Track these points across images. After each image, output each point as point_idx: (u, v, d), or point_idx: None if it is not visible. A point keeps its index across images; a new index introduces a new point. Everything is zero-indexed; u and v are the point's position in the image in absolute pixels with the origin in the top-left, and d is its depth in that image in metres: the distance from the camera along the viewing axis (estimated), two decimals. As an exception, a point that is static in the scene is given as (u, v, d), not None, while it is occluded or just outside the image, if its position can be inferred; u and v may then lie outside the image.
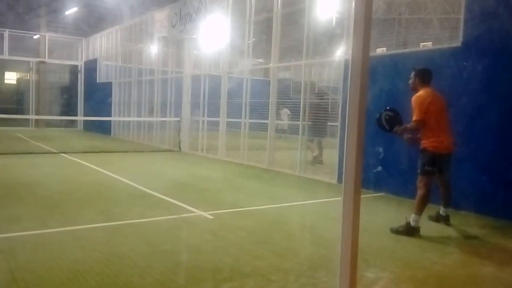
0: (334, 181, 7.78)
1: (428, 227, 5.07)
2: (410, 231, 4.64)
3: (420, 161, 4.80)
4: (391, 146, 6.62)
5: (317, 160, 9.52)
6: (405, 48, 8.65)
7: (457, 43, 6.05)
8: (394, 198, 6.51)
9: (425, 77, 4.98)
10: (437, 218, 5.20)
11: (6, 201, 5.60)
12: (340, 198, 2.11)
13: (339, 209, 2.11)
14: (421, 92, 4.86)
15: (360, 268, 2.95)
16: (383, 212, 5.76)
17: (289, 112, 13.31)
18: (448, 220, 5.13)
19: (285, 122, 12.22)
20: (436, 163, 4.77)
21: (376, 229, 4.82)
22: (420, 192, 4.73)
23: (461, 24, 5.99)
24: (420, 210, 4.68)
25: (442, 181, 5.07)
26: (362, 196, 2.12)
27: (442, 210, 5.17)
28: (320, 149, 9.71)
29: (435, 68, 6.22)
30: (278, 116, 14.18)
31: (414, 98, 4.81)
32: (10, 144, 12.63)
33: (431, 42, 10.33)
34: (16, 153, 10.74)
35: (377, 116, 4.98)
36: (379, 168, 5.25)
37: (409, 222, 4.66)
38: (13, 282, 3.07)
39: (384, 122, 4.93)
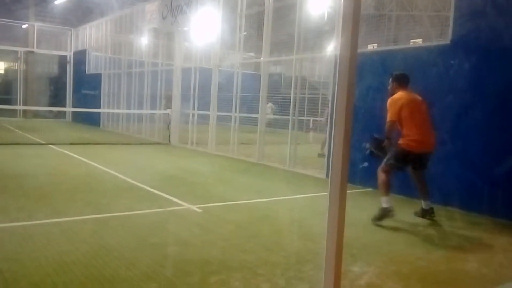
0: (323, 176, 7.83)
1: (414, 223, 5.14)
2: (386, 212, 4.90)
3: (390, 153, 5.07)
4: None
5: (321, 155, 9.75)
6: (396, 44, 8.71)
7: (446, 40, 6.11)
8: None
9: (401, 81, 5.25)
10: (422, 214, 5.29)
11: (-7, 192, 5.55)
12: (327, 193, 2.13)
13: (326, 204, 2.13)
14: (396, 95, 5.14)
15: (345, 263, 3.00)
16: (370, 208, 5.80)
17: (273, 107, 13.37)
18: (433, 213, 5.25)
19: (269, 116, 12.27)
20: (406, 160, 5.06)
21: (362, 224, 4.88)
22: (380, 178, 5.02)
23: (451, 22, 6.04)
24: (386, 192, 4.96)
25: (417, 177, 5.28)
26: (349, 191, 2.14)
27: (424, 204, 5.29)
28: (323, 143, 9.94)
29: (423, 66, 6.31)
30: (264, 110, 14.22)
31: (389, 101, 5.11)
32: (-3, 135, 12.49)
33: (421, 39, 10.41)
34: (3, 144, 10.61)
35: (368, 153, 5.29)
36: (366, 164, 5.30)
37: (383, 206, 4.92)
38: (-1, 273, 3.06)
39: (376, 153, 5.22)
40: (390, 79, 5.32)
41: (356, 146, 6.54)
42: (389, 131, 5.04)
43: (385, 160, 5.08)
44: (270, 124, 12.17)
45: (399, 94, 5.13)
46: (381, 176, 5.03)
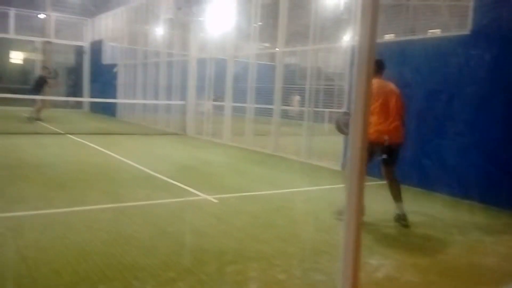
0: (338, 167, 7.80)
1: (432, 215, 5.10)
2: (400, 219, 4.63)
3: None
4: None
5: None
6: (413, 35, 8.57)
7: (466, 31, 5.99)
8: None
9: (376, 67, 4.89)
10: (397, 219, 4.74)
11: (14, 181, 5.67)
12: (344, 185, 2.12)
13: (343, 196, 2.13)
14: (376, 80, 4.88)
15: (362, 255, 2.99)
16: (387, 200, 5.77)
17: (299, 98, 13.33)
18: (404, 219, 4.68)
19: (296, 108, 12.22)
20: (373, 151, 4.69)
21: (379, 217, 4.86)
22: (387, 182, 4.86)
23: (470, 12, 5.92)
24: (396, 197, 4.77)
25: (386, 173, 4.94)
26: (366, 183, 2.13)
27: (396, 208, 4.80)
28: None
29: (443, 56, 6.21)
30: (290, 102, 14.19)
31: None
32: (17, 124, 12.70)
33: (439, 30, 10.23)
34: (22, 133, 10.80)
35: (336, 121, 4.86)
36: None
37: (396, 213, 4.66)
38: (22, 260, 3.13)
39: (343, 126, 4.73)
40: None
41: (373, 138, 6.49)
42: None
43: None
44: (294, 117, 12.14)
45: (374, 81, 4.92)
46: (386, 181, 4.86)
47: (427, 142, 6.29)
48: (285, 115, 11.87)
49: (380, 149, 4.81)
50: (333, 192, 6.22)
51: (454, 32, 6.58)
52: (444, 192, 5.60)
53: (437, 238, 4.32)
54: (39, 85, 13.44)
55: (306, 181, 6.94)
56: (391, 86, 5.00)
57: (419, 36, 7.46)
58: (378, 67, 5.00)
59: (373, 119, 4.79)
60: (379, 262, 3.49)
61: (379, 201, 5.53)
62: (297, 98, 11.94)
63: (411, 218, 4.90)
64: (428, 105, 6.26)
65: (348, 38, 8.78)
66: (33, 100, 13.45)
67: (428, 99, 6.27)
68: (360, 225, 2.20)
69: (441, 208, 5.48)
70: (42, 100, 13.62)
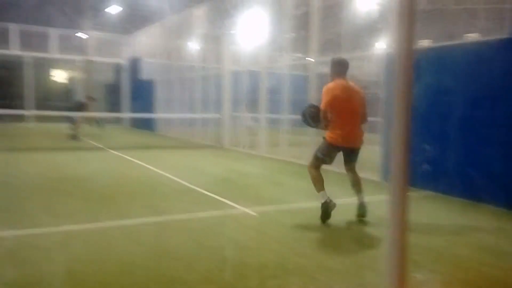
0: (378, 178, 7.64)
1: (479, 227, 4.91)
2: (326, 206, 4.78)
3: (319, 145, 5.00)
4: (440, 143, 6.44)
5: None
6: (451, 40, 8.36)
7: (506, 34, 5.78)
8: (442, 197, 6.31)
9: (337, 67, 5.00)
10: (359, 213, 5.07)
11: (60, 196, 5.88)
12: (384, 196, 2.07)
13: (384, 208, 2.08)
14: (330, 84, 4.92)
15: (408, 269, 2.90)
16: (431, 212, 5.61)
17: None
18: (364, 208, 5.02)
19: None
20: (331, 153, 4.93)
21: (423, 229, 4.70)
22: (311, 174, 4.99)
23: (510, 15, 5.72)
24: (320, 188, 4.86)
25: (348, 169, 5.18)
26: (409, 194, 2.08)
27: (357, 198, 5.11)
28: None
29: (484, 61, 6.01)
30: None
31: (323, 89, 4.90)
32: (61, 141, 13.21)
33: (477, 34, 9.93)
34: (67, 149, 11.22)
35: (302, 113, 5.05)
36: (426, 166, 5.13)
37: (321, 202, 4.80)
38: (69, 273, 3.24)
39: (309, 118, 4.97)
40: (330, 64, 5.09)
41: (415, 148, 6.35)
42: (325, 120, 4.84)
43: (313, 154, 5.00)
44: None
45: (335, 83, 4.89)
46: (311, 172, 4.96)
47: (471, 151, 6.08)
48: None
49: (340, 152, 4.98)
50: (373, 203, 6.09)
51: (494, 36, 6.37)
52: (491, 202, 5.37)
53: (487, 250, 4.13)
54: (77, 109, 13.84)
55: (345, 192, 6.82)
56: (355, 88, 4.98)
57: (457, 42, 7.26)
58: (340, 67, 5.00)
59: (333, 122, 4.83)
60: (426, 277, 3.38)
61: (422, 213, 5.38)
62: None
63: (456, 229, 4.74)
64: (470, 113, 6.06)
65: (382, 45, 8.66)
66: (72, 118, 13.84)
67: (470, 106, 6.07)
68: (405, 238, 2.15)
69: (488, 220, 5.26)
70: (81, 118, 14.01)
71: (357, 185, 5.13)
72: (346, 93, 4.87)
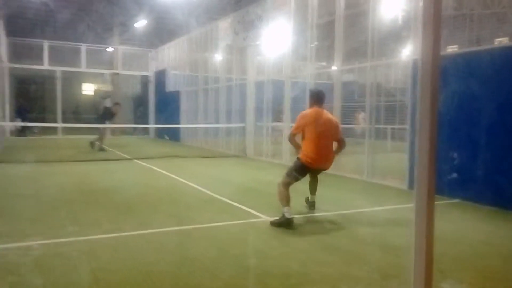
0: (405, 186, 7.50)
1: (508, 236, 4.74)
2: (286, 221, 4.96)
3: (292, 164, 5.43)
4: (467, 150, 6.28)
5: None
6: (479, 45, 8.18)
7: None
8: (470, 205, 6.14)
9: (315, 98, 5.59)
10: (306, 201, 5.93)
11: (87, 206, 6.01)
12: (411, 205, 2.03)
13: (410, 216, 2.03)
14: (306, 111, 5.57)
15: (435, 279, 2.81)
16: (458, 220, 5.46)
17: (364, 115, 13.07)
18: (313, 206, 5.85)
19: (360, 126, 11.97)
20: (304, 173, 5.37)
21: (451, 238, 4.58)
22: (280, 190, 5.22)
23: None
24: (285, 204, 5.07)
25: (313, 177, 5.84)
26: (435, 202, 2.02)
27: (310, 197, 5.90)
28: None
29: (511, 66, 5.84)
30: (355, 120, 13.95)
31: (299, 115, 5.54)
32: (90, 152, 13.53)
33: (507, 38, 9.68)
34: (95, 160, 11.48)
35: None
36: (454, 175, 5.00)
37: (283, 215, 5.01)
38: (95, 282, 3.29)
39: None
40: (309, 95, 5.74)
41: (442, 155, 6.23)
42: (290, 141, 5.55)
43: (286, 172, 5.34)
44: (363, 134, 11.96)
45: (310, 111, 5.48)
46: (281, 189, 5.19)
47: (500, 158, 5.90)
48: (345, 134, 11.69)
49: (311, 171, 5.52)
50: (399, 212, 5.98)
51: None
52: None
53: (518, 261, 3.99)
54: (106, 115, 14.14)
55: (370, 201, 6.73)
56: (329, 117, 5.56)
57: (485, 47, 7.09)
58: (318, 97, 5.58)
59: (305, 146, 5.34)
60: (453, 287, 3.28)
61: (449, 221, 5.24)
62: (361, 115, 11.67)
63: (484, 238, 4.59)
64: (500, 119, 5.90)
65: (407, 52, 8.55)
66: (98, 129, 14.12)
67: (499, 112, 5.91)
68: (431, 247, 2.09)
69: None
70: (106, 129, 14.30)
71: (314, 188, 5.90)
72: (320, 120, 5.39)
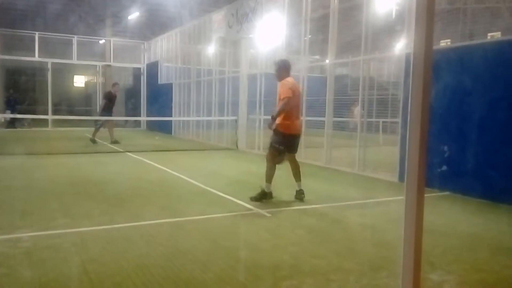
0: (395, 179, 7.55)
1: (498, 229, 4.80)
2: (264, 195, 5.69)
3: (272, 137, 5.77)
4: (457, 144, 6.32)
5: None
6: (472, 39, 8.20)
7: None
8: (460, 197, 6.21)
9: (287, 66, 5.98)
10: (296, 195, 5.96)
11: (78, 198, 5.98)
12: (402, 197, 2.04)
13: (401, 209, 2.05)
14: (287, 79, 5.84)
15: (424, 270, 2.85)
16: (448, 212, 5.51)
17: (360, 109, 13.05)
18: (302, 194, 5.93)
19: (356, 119, 11.97)
20: (285, 142, 5.71)
21: (441, 230, 4.62)
22: (268, 164, 5.74)
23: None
24: (269, 179, 5.72)
25: (290, 158, 5.99)
26: (426, 195, 2.04)
27: (297, 185, 5.97)
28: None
29: (506, 61, 5.88)
30: (350, 113, 13.92)
31: (283, 82, 5.79)
32: (80, 144, 13.44)
33: (499, 33, 9.72)
34: (85, 153, 11.41)
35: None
36: (444, 168, 5.05)
37: (263, 189, 5.69)
38: (85, 273, 3.28)
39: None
40: (277, 65, 5.99)
41: (433, 148, 6.27)
42: (286, 105, 5.56)
43: (269, 146, 5.77)
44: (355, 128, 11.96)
45: (291, 80, 5.82)
46: (269, 162, 5.72)
47: (491, 152, 5.95)
48: (337, 127, 11.70)
49: (288, 139, 5.75)
50: (390, 204, 6.02)
51: (517, 35, 6.23)
52: (510, 203, 5.23)
53: (505, 252, 4.04)
54: (109, 99, 13.71)
55: (362, 194, 6.77)
56: (297, 83, 6.03)
57: (478, 41, 7.12)
58: (289, 66, 6.01)
59: (288, 114, 5.63)
60: (442, 278, 3.31)
61: (439, 214, 5.29)
62: (357, 108, 11.66)
63: (474, 230, 4.65)
64: (492, 114, 5.94)
65: (401, 47, 8.56)
66: (106, 122, 13.84)
67: (491, 107, 5.95)
68: (420, 239, 2.11)
69: (507, 220, 5.15)
70: (108, 121, 13.99)
71: (297, 173, 6.01)
72: (296, 89, 5.85)
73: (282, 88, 5.75)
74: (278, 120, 5.64)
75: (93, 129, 14.12)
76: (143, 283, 3.13)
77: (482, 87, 6.10)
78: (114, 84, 14.34)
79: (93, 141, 13.52)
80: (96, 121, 14.06)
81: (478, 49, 6.41)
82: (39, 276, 3.21)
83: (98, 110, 14.58)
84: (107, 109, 13.61)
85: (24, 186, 6.73)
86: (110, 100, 13.66)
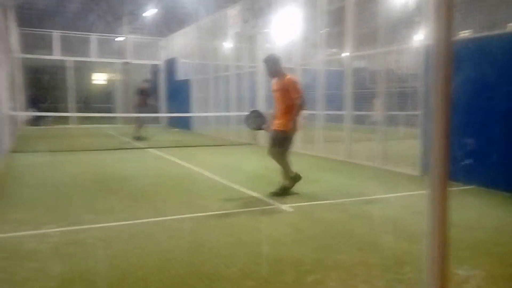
0: (417, 173, 7.45)
1: (524, 222, 4.70)
2: (284, 190, 5.81)
3: (279, 139, 5.78)
4: (481, 136, 6.20)
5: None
6: (493, 29, 8.01)
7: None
8: (485, 190, 6.09)
9: (280, 62, 5.86)
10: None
11: (101, 194, 6.09)
12: (424, 191, 2.02)
13: (423, 203, 2.02)
14: (290, 75, 5.82)
15: (450, 265, 2.81)
16: (473, 206, 5.42)
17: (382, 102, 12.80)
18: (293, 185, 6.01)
19: (379, 112, 11.80)
20: (290, 139, 5.85)
21: (466, 224, 4.55)
22: (279, 162, 5.88)
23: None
24: (288, 170, 5.88)
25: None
26: (450, 189, 2.01)
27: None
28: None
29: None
30: (372, 107, 13.74)
31: (292, 80, 5.72)
32: (103, 141, 13.65)
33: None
34: (108, 149, 11.59)
35: (246, 118, 6.25)
36: (469, 160, 4.95)
37: (284, 185, 5.84)
38: (111, 269, 3.34)
39: (252, 122, 6.19)
40: (269, 61, 5.82)
41: (457, 141, 6.16)
42: (303, 104, 5.64)
43: (278, 150, 5.82)
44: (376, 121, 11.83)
45: (292, 76, 5.88)
46: (279, 161, 5.86)
47: (515, 143, 5.82)
48: (357, 120, 11.59)
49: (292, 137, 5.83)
50: (411, 199, 5.95)
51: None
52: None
53: (534, 247, 3.95)
54: (141, 94, 13.95)
55: (383, 188, 6.71)
56: None
57: (500, 31, 6.94)
58: (280, 61, 5.86)
59: (289, 114, 5.62)
60: (468, 273, 3.26)
61: (463, 207, 5.21)
62: (379, 101, 11.50)
63: (499, 224, 4.56)
64: (514, 104, 5.81)
65: (420, 38, 8.42)
66: (135, 119, 14.07)
67: (514, 97, 5.81)
68: (446, 233, 2.08)
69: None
70: (136, 118, 14.15)
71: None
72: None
73: (293, 85, 5.67)
74: (285, 121, 5.64)
75: (114, 125, 14.27)
76: (167, 277, 3.18)
77: (505, 79, 5.96)
78: (144, 81, 14.68)
79: (140, 138, 13.58)
80: (136, 118, 14.21)
81: (500, 39, 6.26)
82: (67, 270, 3.28)
83: (133, 107, 14.79)
84: (143, 105, 13.83)
85: (49, 183, 6.88)
86: (145, 95, 13.87)
